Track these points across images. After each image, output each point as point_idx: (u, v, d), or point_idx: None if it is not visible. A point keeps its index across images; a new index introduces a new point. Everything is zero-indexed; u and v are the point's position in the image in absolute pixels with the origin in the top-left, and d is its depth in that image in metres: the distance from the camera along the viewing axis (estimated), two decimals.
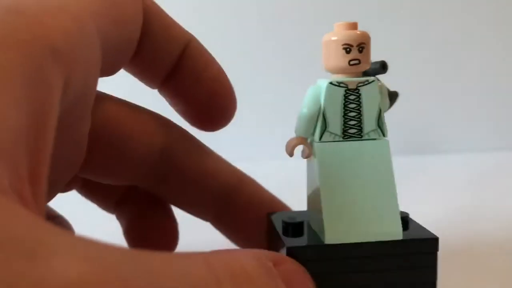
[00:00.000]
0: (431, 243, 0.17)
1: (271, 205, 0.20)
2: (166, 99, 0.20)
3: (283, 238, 0.18)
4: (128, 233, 0.21)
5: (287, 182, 0.27)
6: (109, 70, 0.17)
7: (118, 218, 0.22)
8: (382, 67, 0.20)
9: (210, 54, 0.20)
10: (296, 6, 0.52)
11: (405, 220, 0.19)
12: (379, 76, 0.20)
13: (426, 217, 0.20)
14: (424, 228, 0.18)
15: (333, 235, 0.17)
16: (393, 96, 0.19)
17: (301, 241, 0.17)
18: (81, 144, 0.17)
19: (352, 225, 0.17)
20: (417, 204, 0.30)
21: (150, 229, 0.21)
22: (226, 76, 0.20)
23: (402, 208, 0.21)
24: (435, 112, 0.54)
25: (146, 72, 0.19)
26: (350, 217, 0.17)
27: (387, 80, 0.20)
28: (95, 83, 0.15)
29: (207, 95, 0.19)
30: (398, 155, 0.43)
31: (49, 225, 0.09)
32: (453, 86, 0.54)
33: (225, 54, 0.55)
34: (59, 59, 0.12)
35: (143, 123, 0.19)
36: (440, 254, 0.17)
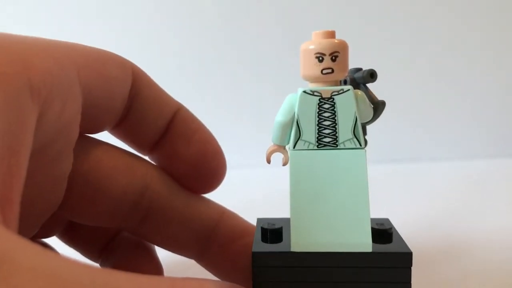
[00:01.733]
0: (403, 257, 0.17)
1: (253, 237, 0.20)
2: (156, 162, 0.20)
3: (254, 243, 0.18)
4: None
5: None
6: (94, 126, 0.18)
7: (102, 266, 0.21)
8: (371, 75, 0.19)
9: (199, 120, 0.20)
10: (300, 10, 0.52)
11: (388, 233, 0.18)
12: (369, 85, 0.20)
13: (409, 224, 0.19)
14: (403, 242, 0.18)
15: (299, 243, 0.17)
16: (379, 106, 0.19)
17: (269, 247, 0.18)
18: (60, 182, 0.17)
19: (321, 234, 0.17)
20: (401, 211, 0.29)
21: None
22: (215, 138, 0.20)
23: (385, 215, 0.20)
24: (423, 121, 0.55)
25: (135, 138, 0.20)
26: (319, 226, 0.17)
27: (377, 87, 0.20)
28: (74, 123, 0.16)
29: (198, 156, 0.20)
30: (383, 163, 0.42)
31: (18, 238, 0.09)
32: (441, 95, 0.54)
33: (221, 62, 0.55)
34: (35, 95, 0.13)
35: (123, 163, 0.19)
36: (421, 264, 0.17)
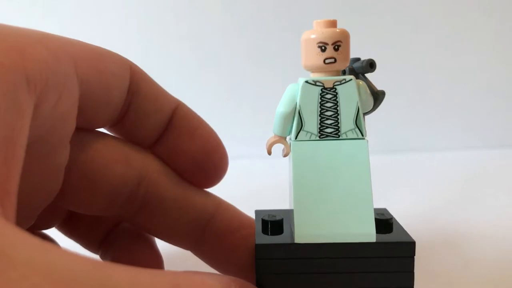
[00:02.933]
0: (406, 247, 0.17)
1: (250, 229, 0.20)
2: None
3: (256, 235, 0.18)
4: None
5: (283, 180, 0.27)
6: (92, 121, 0.18)
7: (102, 257, 0.21)
8: (370, 65, 0.19)
9: (199, 116, 0.20)
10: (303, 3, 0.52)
11: (389, 223, 0.18)
12: (367, 75, 0.20)
13: (408, 214, 0.19)
14: (405, 232, 0.18)
15: (303, 235, 0.17)
16: (379, 96, 0.19)
17: (272, 239, 0.17)
18: (56, 174, 0.16)
19: (324, 225, 0.17)
20: (401, 201, 0.29)
21: None
22: (216, 133, 0.20)
23: (385, 205, 0.20)
24: (422, 111, 0.55)
25: (135, 136, 0.19)
26: (322, 217, 0.17)
27: (376, 77, 0.20)
28: (70, 116, 0.16)
29: (199, 152, 0.19)
30: (383, 153, 0.42)
31: (16, 230, 0.09)
32: (441, 85, 0.54)
33: (221, 52, 0.54)
34: (32, 86, 0.13)
35: (120, 153, 0.19)
36: (421, 254, 0.17)
